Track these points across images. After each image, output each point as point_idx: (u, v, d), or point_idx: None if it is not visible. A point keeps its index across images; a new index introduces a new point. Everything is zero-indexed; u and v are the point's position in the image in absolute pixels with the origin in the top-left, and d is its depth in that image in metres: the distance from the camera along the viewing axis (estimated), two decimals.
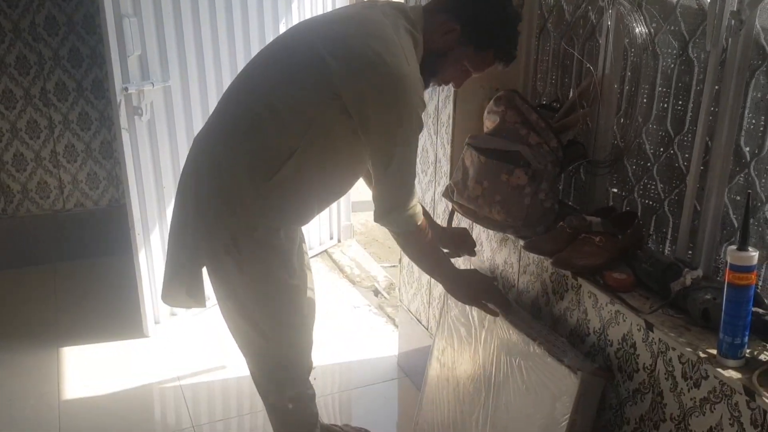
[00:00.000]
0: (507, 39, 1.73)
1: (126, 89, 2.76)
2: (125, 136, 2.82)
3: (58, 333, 3.18)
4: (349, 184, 1.85)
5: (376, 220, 1.73)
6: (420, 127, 1.64)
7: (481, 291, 1.92)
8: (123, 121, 2.80)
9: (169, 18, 2.89)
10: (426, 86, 1.71)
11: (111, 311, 3.34)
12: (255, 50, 1.88)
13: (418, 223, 1.75)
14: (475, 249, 2.09)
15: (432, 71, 1.72)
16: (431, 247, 1.85)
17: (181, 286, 1.82)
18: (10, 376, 2.86)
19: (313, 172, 1.68)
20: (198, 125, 3.08)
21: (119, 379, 2.84)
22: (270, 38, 3.14)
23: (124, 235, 3.06)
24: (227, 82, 3.11)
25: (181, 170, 1.86)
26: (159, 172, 3.02)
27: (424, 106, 1.65)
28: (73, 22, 3.59)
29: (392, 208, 1.70)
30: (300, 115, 1.62)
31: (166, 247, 1.89)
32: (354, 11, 1.72)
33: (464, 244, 2.06)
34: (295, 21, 3.46)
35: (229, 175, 1.68)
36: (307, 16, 3.53)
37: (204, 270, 1.82)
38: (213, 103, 3.09)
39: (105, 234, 3.91)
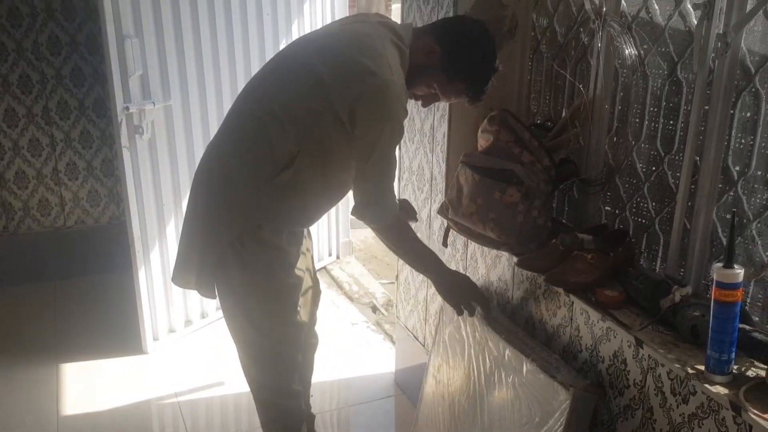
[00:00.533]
0: (479, 78, 1.83)
1: (127, 108, 2.80)
2: (126, 155, 2.86)
3: (57, 349, 3.19)
4: (347, 188, 1.95)
5: (352, 213, 1.85)
6: (401, 133, 1.76)
7: (465, 290, 2.01)
8: (124, 139, 2.83)
9: (170, 39, 2.94)
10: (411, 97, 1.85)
11: (110, 328, 3.36)
12: (256, 70, 1.94)
13: (389, 221, 1.85)
14: (417, 217, 2.22)
15: (410, 85, 1.82)
16: (411, 241, 1.95)
17: (190, 276, 1.93)
18: (10, 392, 2.87)
19: (311, 177, 1.80)
20: (198, 144, 3.11)
21: (118, 395, 2.85)
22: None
23: (125, 252, 3.08)
24: (228, 101, 3.15)
25: (181, 188, 1.91)
26: (159, 190, 3.04)
27: (406, 114, 1.77)
28: (76, 42, 3.65)
29: (369, 203, 1.81)
30: (298, 122, 1.73)
31: (178, 243, 1.99)
32: (347, 26, 1.85)
33: (407, 213, 2.14)
34: None
35: (236, 179, 1.80)
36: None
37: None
38: (213, 122, 3.14)
39: (105, 251, 3.94)
